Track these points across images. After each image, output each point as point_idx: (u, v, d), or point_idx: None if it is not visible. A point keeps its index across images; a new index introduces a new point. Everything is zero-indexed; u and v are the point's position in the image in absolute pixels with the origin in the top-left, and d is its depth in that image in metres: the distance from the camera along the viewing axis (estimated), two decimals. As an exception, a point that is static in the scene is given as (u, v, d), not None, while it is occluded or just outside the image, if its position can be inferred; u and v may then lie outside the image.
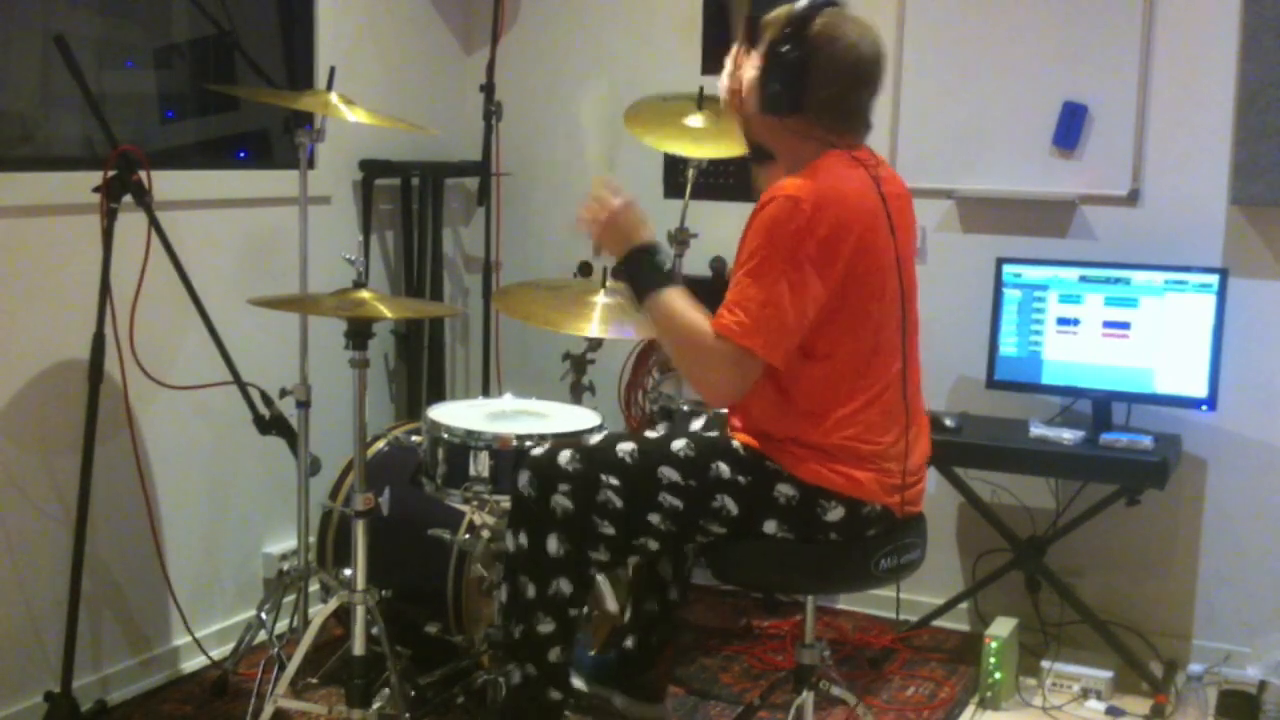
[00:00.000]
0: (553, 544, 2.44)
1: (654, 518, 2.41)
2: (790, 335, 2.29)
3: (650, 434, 2.51)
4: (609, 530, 2.42)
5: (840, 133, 2.41)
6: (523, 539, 2.47)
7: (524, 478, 2.47)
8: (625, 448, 2.44)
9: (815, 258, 2.27)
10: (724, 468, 2.40)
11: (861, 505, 2.38)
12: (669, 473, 2.40)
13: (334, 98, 3.10)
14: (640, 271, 2.41)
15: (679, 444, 2.44)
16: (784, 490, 2.37)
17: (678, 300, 2.37)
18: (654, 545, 2.45)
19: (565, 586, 2.46)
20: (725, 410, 2.59)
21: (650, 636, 2.87)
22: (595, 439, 2.51)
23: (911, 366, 2.46)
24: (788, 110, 2.38)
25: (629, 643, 2.89)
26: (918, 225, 3.68)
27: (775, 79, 2.37)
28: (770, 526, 2.39)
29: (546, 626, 2.48)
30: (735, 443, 2.44)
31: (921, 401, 2.51)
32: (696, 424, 2.87)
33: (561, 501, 2.43)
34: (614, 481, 2.41)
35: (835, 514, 2.37)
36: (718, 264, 3.76)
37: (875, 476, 2.38)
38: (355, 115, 3.06)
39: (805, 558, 2.41)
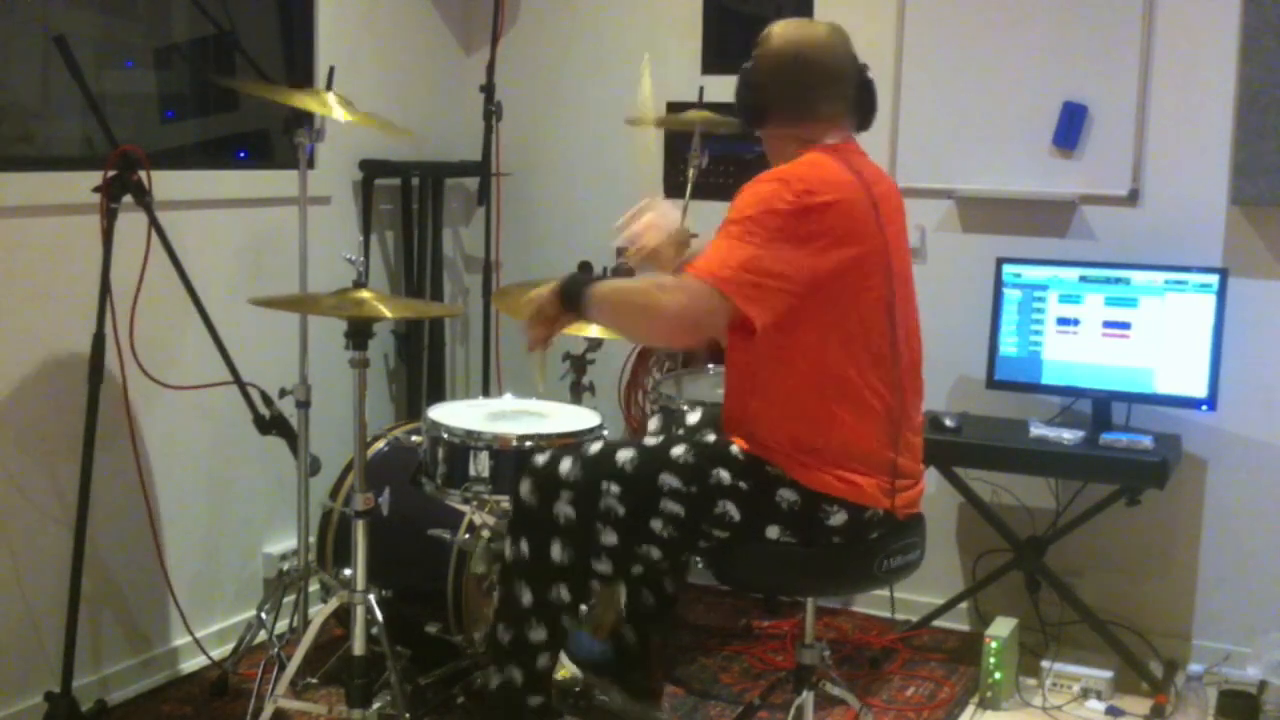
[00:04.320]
0: (556, 550, 2.44)
1: (656, 524, 2.40)
2: (761, 288, 2.22)
3: (649, 441, 2.50)
4: (611, 539, 2.41)
5: (815, 129, 2.42)
6: (524, 546, 2.47)
7: (526, 486, 2.47)
8: (625, 455, 2.43)
9: (793, 237, 2.25)
10: (724, 474, 2.38)
11: (863, 510, 2.37)
12: (669, 479, 2.39)
13: (331, 98, 3.09)
14: (571, 285, 2.36)
15: (678, 450, 2.43)
16: (786, 495, 2.36)
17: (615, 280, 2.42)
18: (656, 554, 2.43)
19: (564, 594, 2.46)
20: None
21: (647, 628, 2.87)
22: (595, 447, 2.49)
23: (907, 369, 2.43)
24: (757, 120, 2.47)
25: (627, 634, 2.88)
26: (918, 225, 3.75)
27: (740, 94, 2.48)
28: (773, 532, 2.38)
29: (538, 634, 2.48)
30: (734, 447, 2.43)
31: (918, 403, 2.50)
32: (693, 417, 2.85)
33: (564, 509, 2.43)
34: (615, 489, 2.40)
35: (838, 519, 2.36)
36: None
37: (874, 480, 2.37)
38: (346, 116, 3.05)
39: (808, 561, 2.41)
